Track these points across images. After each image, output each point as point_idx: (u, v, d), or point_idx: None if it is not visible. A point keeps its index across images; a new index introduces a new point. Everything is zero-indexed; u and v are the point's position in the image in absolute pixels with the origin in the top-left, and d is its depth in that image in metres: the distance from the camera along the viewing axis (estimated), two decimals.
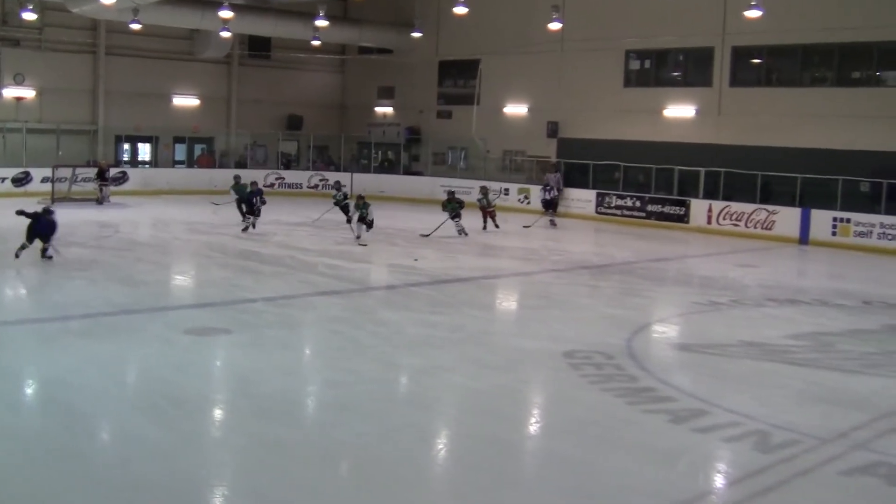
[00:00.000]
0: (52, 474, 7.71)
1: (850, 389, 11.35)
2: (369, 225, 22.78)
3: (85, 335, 12.48)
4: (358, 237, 22.35)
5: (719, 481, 8.41)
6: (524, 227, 26.31)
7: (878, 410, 10.34)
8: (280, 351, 12.19)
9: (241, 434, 8.99)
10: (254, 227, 23.84)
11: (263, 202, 24.27)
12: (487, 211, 26.83)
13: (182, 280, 18.80)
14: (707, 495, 8.02)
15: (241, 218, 24.94)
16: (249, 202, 24.40)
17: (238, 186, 26.29)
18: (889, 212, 26.90)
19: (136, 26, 31.48)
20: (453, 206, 24.96)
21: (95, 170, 31.00)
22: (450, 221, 24.82)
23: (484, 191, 27.51)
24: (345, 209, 25.98)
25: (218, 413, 9.80)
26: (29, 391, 10.46)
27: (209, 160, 38.31)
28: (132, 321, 13.44)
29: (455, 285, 17.46)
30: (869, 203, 27.69)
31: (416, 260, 19.24)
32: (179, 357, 11.60)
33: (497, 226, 26.73)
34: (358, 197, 23.22)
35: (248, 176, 35.85)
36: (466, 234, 24.60)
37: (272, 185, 36.51)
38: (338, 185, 28.34)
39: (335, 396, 10.34)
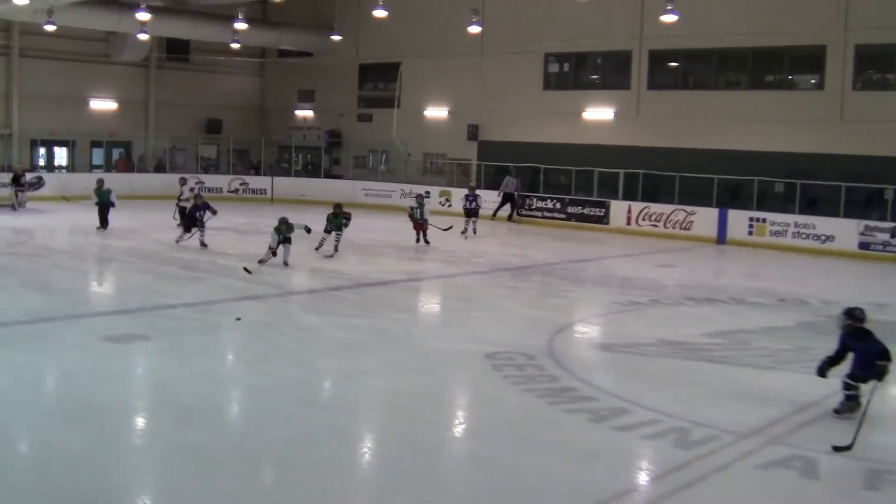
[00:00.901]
0: None
1: (765, 386, 11.57)
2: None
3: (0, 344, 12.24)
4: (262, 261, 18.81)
5: (640, 478, 8.52)
6: (444, 229, 25.48)
7: (792, 406, 10.57)
8: (201, 357, 12.07)
9: (162, 441, 8.89)
10: (203, 244, 21.87)
11: (213, 212, 22.60)
12: (420, 224, 24.11)
13: (100, 286, 18.53)
14: (629, 493, 8.12)
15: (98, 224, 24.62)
16: (192, 216, 22.72)
17: (100, 192, 25.21)
18: (803, 211, 27.55)
19: (50, 28, 30.85)
20: (338, 222, 21.56)
21: (10, 175, 30.34)
22: (329, 236, 21.65)
23: (420, 200, 24.70)
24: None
25: (138, 420, 9.67)
26: None
27: (127, 164, 37.74)
28: (49, 329, 13.20)
29: (377, 288, 17.44)
30: (783, 203, 28.34)
31: (238, 319, 14.21)
32: (98, 364, 11.41)
33: (427, 241, 24.08)
34: (282, 220, 19.52)
35: (169, 182, 35.77)
36: (330, 256, 21.02)
37: (191, 189, 36.10)
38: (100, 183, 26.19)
39: (257, 402, 10.28)
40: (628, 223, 30.08)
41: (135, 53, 37.10)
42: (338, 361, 12.10)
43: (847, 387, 10.23)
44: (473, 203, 27.06)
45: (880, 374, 9.89)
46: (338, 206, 22.04)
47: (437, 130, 36.85)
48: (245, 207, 32.94)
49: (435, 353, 12.61)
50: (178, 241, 22.26)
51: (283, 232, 19.17)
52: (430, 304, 17.64)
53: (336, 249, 21.27)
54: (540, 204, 32.45)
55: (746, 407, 10.47)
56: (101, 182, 25.44)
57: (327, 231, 21.60)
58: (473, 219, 27.09)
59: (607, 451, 8.94)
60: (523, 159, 32.94)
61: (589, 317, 16.50)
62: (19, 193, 29.77)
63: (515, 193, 32.44)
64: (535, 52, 33.63)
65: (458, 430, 9.84)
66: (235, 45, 35.29)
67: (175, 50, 39.25)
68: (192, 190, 26.31)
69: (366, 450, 9.14)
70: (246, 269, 17.04)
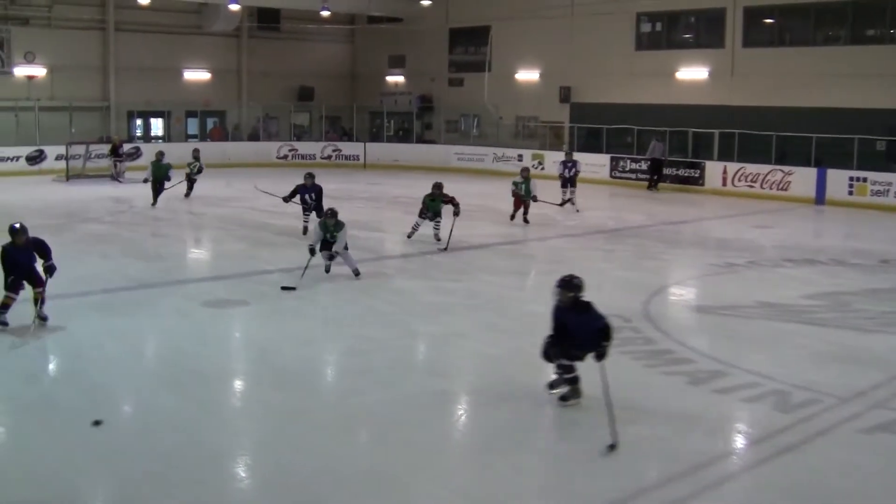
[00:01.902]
0: (74, 445, 7.78)
1: (867, 348, 11.32)
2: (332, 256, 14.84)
3: (103, 309, 12.52)
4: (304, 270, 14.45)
5: (740, 442, 8.41)
6: (560, 204, 23.85)
7: (895, 369, 10.33)
8: (298, 321, 12.24)
9: (261, 403, 9.05)
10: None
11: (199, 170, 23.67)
12: (524, 202, 21.08)
13: (198, 253, 18.85)
14: (727, 456, 8.05)
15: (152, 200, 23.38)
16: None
17: (158, 166, 23.93)
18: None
19: (144, 1, 31.37)
20: (435, 206, 18.15)
21: (109, 146, 30.95)
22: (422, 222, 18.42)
23: (526, 174, 21.33)
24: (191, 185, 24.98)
25: (237, 383, 9.85)
26: (49, 365, 10.52)
27: (221, 133, 38.27)
28: (150, 295, 13.48)
29: (470, 252, 17.45)
30: (885, 162, 27.55)
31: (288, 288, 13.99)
32: (198, 329, 11.65)
33: (527, 220, 21.05)
34: (329, 212, 14.97)
35: (262, 150, 36.13)
36: (445, 249, 17.61)
37: (285, 156, 36.50)
38: (195, 155, 25.66)
39: (354, 364, 10.39)
40: (724, 184, 29.55)
41: (226, 24, 37.49)
42: (433, 325, 12.17)
43: (564, 368, 9.00)
44: (572, 170, 24.42)
45: (600, 355, 8.55)
46: (437, 186, 18.38)
47: (528, 93, 36.58)
48: (338, 174, 33.13)
49: (529, 315, 12.56)
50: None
51: (330, 230, 14.51)
52: (524, 268, 17.57)
53: (438, 239, 17.93)
54: (633, 166, 32.07)
55: (848, 370, 10.28)
56: (160, 155, 24.79)
57: (422, 216, 18.22)
58: (572, 189, 24.32)
59: (705, 414, 8.85)
60: (616, 121, 32.51)
61: (685, 279, 16.30)
62: (118, 164, 30.36)
63: (662, 159, 30.66)
64: (626, 11, 33.04)
65: (553, 393, 9.81)
66: (325, 13, 35.40)
67: (266, 19, 39.50)
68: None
69: (461, 412, 9.17)
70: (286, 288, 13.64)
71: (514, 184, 21.28)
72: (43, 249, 11.74)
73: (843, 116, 28.00)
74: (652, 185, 30.47)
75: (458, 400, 9.49)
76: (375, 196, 26.70)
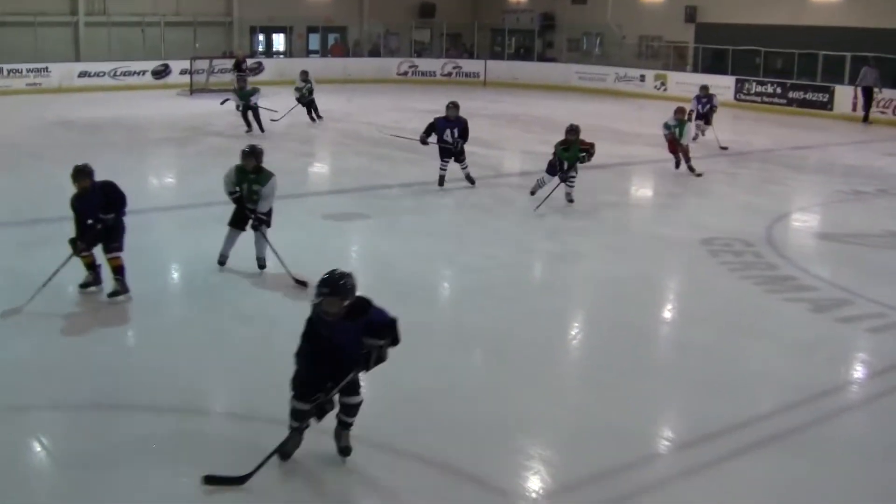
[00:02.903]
0: (197, 350, 8.02)
1: None
2: None
3: (225, 221, 12.72)
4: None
5: (861, 372, 8.24)
6: (723, 147, 20.74)
7: None
8: (418, 236, 12.34)
9: None
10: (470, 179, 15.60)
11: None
12: (681, 147, 17.55)
13: (319, 167, 19.07)
14: (847, 386, 7.91)
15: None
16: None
17: (241, 93, 21.97)
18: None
19: None
20: (571, 156, 13.91)
21: (232, 61, 31.31)
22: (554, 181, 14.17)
23: (680, 116, 17.51)
24: (310, 106, 23.22)
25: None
26: (174, 272, 10.78)
27: (343, 49, 38.40)
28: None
29: (592, 172, 17.28)
30: None
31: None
32: (319, 241, 11.83)
33: (692, 169, 17.41)
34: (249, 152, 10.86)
35: (384, 67, 36.17)
36: (571, 201, 14.13)
37: (405, 73, 36.50)
38: (304, 76, 23.53)
39: (473, 280, 10.43)
40: (854, 109, 28.56)
41: None
42: (552, 244, 12.15)
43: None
44: (707, 106, 21.54)
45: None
46: (572, 130, 14.05)
47: (652, 12, 35.76)
48: (458, 90, 33.05)
49: (649, 238, 12.48)
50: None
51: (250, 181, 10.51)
52: (645, 189, 17.39)
53: (570, 201, 14.10)
54: (759, 89, 31.25)
55: None
56: (242, 79, 23.61)
57: (552, 172, 14.12)
58: (704, 124, 21.44)
59: (827, 342, 8.71)
60: (742, 42, 31.60)
61: (810, 205, 15.90)
62: (241, 79, 30.71)
63: (875, 88, 27.27)
64: None
65: (673, 315, 9.76)
66: None
67: None
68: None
69: (578, 331, 9.19)
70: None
71: (667, 126, 17.65)
72: (112, 197, 9.12)
73: None
74: (865, 118, 27.64)
75: (576, 319, 9.49)
76: (495, 114, 26.54)
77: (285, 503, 5.67)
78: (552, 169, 14.01)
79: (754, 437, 6.58)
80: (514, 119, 25.61)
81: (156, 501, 5.61)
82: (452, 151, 14.93)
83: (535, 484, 5.87)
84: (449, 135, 14.84)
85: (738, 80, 31.60)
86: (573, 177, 13.95)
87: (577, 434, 6.61)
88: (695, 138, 20.37)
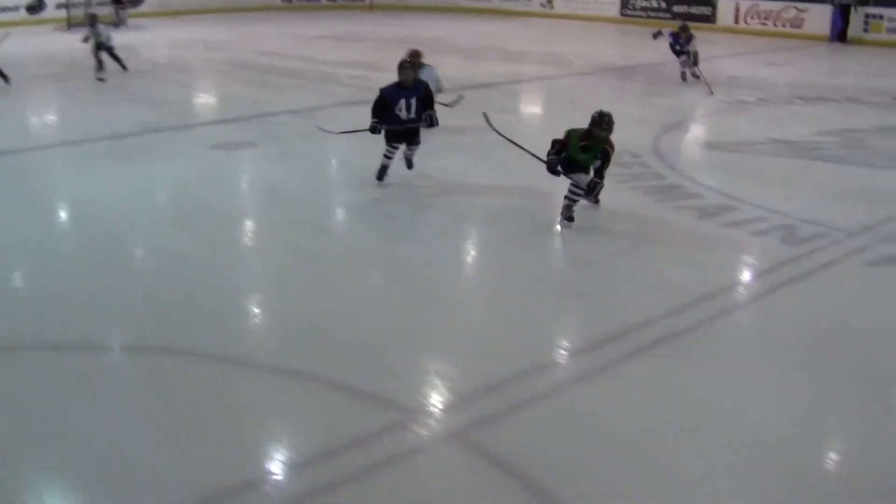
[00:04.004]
0: (93, 287, 7.87)
1: (877, 184, 11.31)
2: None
3: (112, 156, 12.47)
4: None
5: (747, 273, 8.47)
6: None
7: None
8: (307, 162, 12.23)
9: (275, 244, 9.10)
10: None
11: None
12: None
13: (204, 98, 18.69)
14: (735, 287, 8.11)
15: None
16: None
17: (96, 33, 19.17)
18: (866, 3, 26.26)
19: None
20: (590, 159, 9.45)
21: None
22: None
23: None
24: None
25: (249, 223, 9.89)
26: (62, 211, 10.53)
27: None
28: (158, 140, 13.44)
29: (479, 91, 17.28)
30: None
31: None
32: (208, 172, 11.66)
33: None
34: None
35: None
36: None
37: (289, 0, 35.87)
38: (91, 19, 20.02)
39: (365, 205, 10.38)
40: (736, 21, 29.10)
41: None
42: (444, 160, 12.13)
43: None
44: (685, 46, 18.87)
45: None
46: (606, 123, 9.26)
47: None
48: (344, 15, 32.68)
49: (538, 154, 12.52)
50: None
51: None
52: (534, 107, 17.47)
53: (570, 220, 9.52)
54: (644, 3, 31.50)
55: (857, 205, 10.26)
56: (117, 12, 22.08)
57: (557, 170, 9.61)
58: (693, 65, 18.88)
59: (713, 247, 8.90)
60: None
61: (696, 116, 16.18)
62: (119, 11, 29.85)
63: (852, 5, 27.22)
64: None
65: (563, 229, 9.84)
66: None
67: None
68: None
69: (474, 251, 9.23)
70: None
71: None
72: None
73: None
74: (842, 36, 27.26)
75: (470, 237, 9.53)
76: (383, 38, 26.28)
77: (168, 430, 5.62)
78: (553, 167, 9.58)
79: (646, 340, 6.74)
80: (402, 42, 25.40)
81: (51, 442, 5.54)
82: (406, 133, 10.75)
83: (434, 398, 5.93)
84: (404, 108, 10.53)
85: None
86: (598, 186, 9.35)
87: (474, 348, 6.68)
88: (683, 78, 19.06)
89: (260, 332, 7.16)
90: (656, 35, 19.61)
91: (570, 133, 9.47)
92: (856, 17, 26.83)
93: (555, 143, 9.59)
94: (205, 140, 13.29)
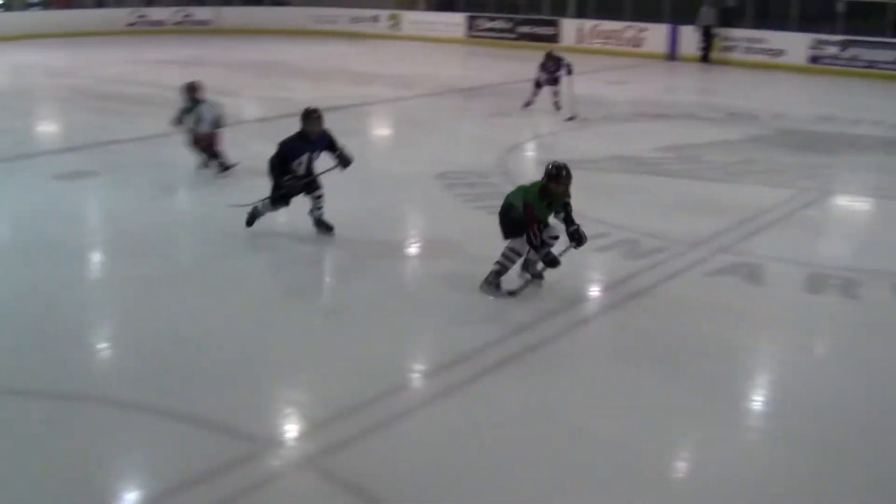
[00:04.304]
0: None
1: (714, 197, 11.74)
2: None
3: None
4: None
5: (591, 289, 8.67)
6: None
7: (739, 216, 10.75)
8: (152, 190, 11.98)
9: (119, 274, 8.90)
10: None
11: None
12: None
13: (45, 126, 18.16)
14: (580, 303, 8.28)
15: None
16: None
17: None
18: (755, 26, 27.42)
19: None
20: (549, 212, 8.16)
21: None
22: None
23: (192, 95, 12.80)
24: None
25: (93, 255, 9.64)
26: None
27: (66, 1, 36.48)
28: None
29: (328, 115, 17.17)
30: (736, 18, 28.11)
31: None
32: (49, 202, 11.31)
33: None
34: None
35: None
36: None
37: (134, 23, 35.14)
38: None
39: (212, 231, 10.25)
40: (579, 41, 29.79)
41: None
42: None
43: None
44: (556, 73, 17.64)
45: None
46: (565, 175, 8.07)
47: None
48: (191, 39, 32.25)
49: (385, 176, 12.60)
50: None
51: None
52: (381, 128, 17.54)
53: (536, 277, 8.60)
54: (490, 24, 31.99)
55: (695, 218, 10.64)
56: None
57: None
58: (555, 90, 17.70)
59: (563, 264, 9.04)
60: None
61: (541, 135, 16.50)
62: None
63: (712, 28, 27.71)
64: None
65: (412, 249, 9.90)
66: None
67: None
68: None
69: (307, 276, 9.21)
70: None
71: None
72: None
73: None
74: (705, 57, 27.94)
75: (320, 263, 9.49)
76: (230, 61, 26.01)
77: (4, 474, 5.46)
78: (514, 230, 8.14)
79: (495, 358, 6.82)
80: (252, 66, 25.23)
81: None
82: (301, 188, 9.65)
83: (286, 426, 5.89)
84: (305, 163, 9.53)
85: (469, 17, 32.22)
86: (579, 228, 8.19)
87: (326, 374, 6.65)
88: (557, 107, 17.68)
89: (104, 366, 6.99)
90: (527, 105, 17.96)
91: (527, 197, 8.03)
92: (694, 37, 27.77)
93: (532, 222, 7.92)
94: (46, 169, 12.91)
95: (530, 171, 13.40)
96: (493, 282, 8.13)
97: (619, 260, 9.18)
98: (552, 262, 8.01)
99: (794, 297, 8.45)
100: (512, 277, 8.26)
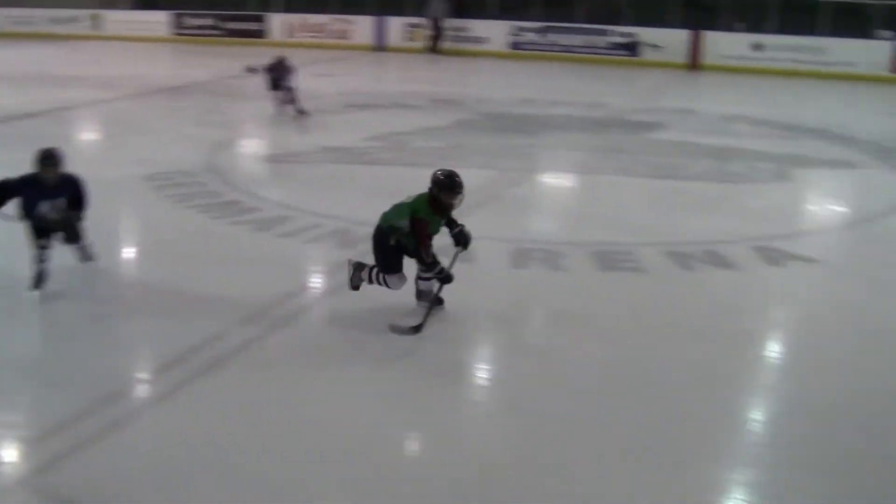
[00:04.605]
0: None
1: (423, 182, 12.04)
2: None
3: None
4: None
5: (307, 279, 8.78)
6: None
7: None
8: None
9: None
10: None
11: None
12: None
13: None
14: (299, 293, 8.34)
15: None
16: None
17: None
18: (459, 15, 28.34)
19: None
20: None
21: None
22: None
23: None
24: None
25: None
26: None
27: None
28: None
29: (25, 123, 16.49)
30: (464, 9, 28.94)
31: None
32: None
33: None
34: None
35: None
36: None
37: None
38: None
39: None
40: (288, 36, 29.83)
41: None
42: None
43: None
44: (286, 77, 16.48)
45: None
46: (460, 187, 7.44)
47: None
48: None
49: (92, 181, 12.18)
50: None
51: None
52: (84, 133, 16.90)
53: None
54: (197, 21, 31.48)
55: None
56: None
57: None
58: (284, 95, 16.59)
59: (273, 257, 9.11)
60: None
61: (251, 131, 16.47)
62: None
63: (440, 20, 28.38)
64: None
65: (126, 255, 9.68)
66: None
67: None
68: None
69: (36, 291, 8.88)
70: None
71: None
72: None
73: None
74: (434, 48, 28.50)
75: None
76: None
77: None
78: (394, 257, 7.56)
79: (219, 353, 6.77)
80: None
81: None
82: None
83: None
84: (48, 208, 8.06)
85: (174, 15, 31.60)
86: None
87: (40, 389, 6.40)
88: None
89: None
90: (252, 70, 16.89)
91: (417, 212, 7.36)
92: (400, 28, 28.45)
93: (425, 238, 7.32)
94: None
95: (241, 166, 13.42)
96: (398, 326, 7.20)
97: (332, 250, 9.31)
98: (447, 278, 7.32)
99: (503, 272, 8.86)
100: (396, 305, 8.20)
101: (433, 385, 6.48)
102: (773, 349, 7.53)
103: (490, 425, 6.04)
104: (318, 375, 6.59)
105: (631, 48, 26.99)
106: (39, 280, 7.96)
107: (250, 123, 17.07)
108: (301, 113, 16.59)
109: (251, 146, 15.18)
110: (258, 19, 30.44)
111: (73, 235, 8.37)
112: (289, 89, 16.48)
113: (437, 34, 28.61)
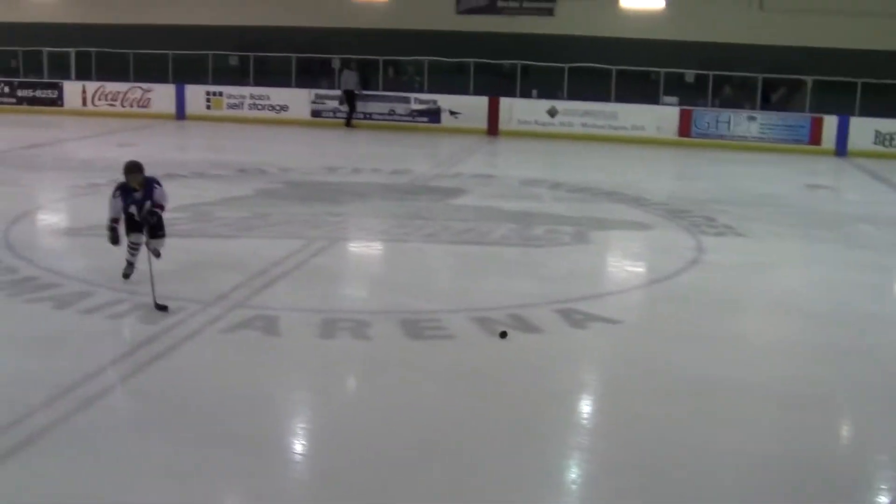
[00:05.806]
0: None
1: (227, 253, 12.04)
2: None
3: None
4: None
5: (109, 357, 8.53)
6: None
7: (252, 270, 11.10)
8: None
9: None
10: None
11: None
12: None
13: None
14: (100, 373, 8.12)
15: None
16: None
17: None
18: (257, 83, 28.45)
19: None
20: None
21: None
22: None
23: None
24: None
25: None
26: None
27: None
28: None
29: None
30: (239, 76, 29.03)
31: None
32: None
33: None
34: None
35: None
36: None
37: None
38: None
39: None
40: (84, 104, 29.23)
41: None
42: None
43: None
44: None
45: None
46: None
47: None
48: None
49: None
50: None
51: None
52: None
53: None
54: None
55: (209, 276, 10.85)
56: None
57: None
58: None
59: (73, 335, 8.87)
60: None
61: (49, 203, 16.02)
62: None
63: (356, 91, 28.14)
64: None
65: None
66: None
67: None
68: None
69: None
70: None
71: None
72: None
73: (196, 33, 28.94)
74: (348, 122, 28.23)
75: None
76: None
77: None
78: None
79: (12, 443, 6.47)
80: None
81: None
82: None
83: None
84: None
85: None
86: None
87: None
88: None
89: None
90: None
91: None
92: (199, 95, 28.32)
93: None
94: None
95: (38, 240, 13.01)
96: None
97: (135, 325, 9.15)
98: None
99: (310, 344, 8.87)
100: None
101: (244, 456, 6.40)
102: (584, 409, 7.81)
103: (303, 498, 6.05)
104: (123, 456, 6.36)
105: (432, 115, 27.61)
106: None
107: (48, 194, 16.61)
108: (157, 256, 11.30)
109: (50, 218, 14.72)
110: (53, 86, 29.64)
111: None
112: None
113: (352, 107, 28.33)
